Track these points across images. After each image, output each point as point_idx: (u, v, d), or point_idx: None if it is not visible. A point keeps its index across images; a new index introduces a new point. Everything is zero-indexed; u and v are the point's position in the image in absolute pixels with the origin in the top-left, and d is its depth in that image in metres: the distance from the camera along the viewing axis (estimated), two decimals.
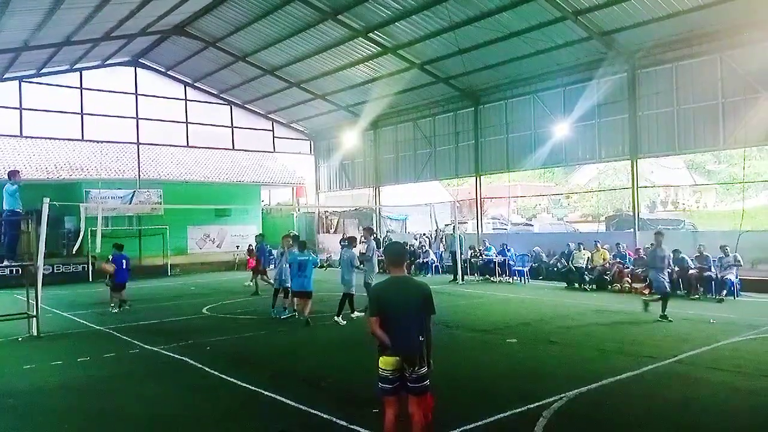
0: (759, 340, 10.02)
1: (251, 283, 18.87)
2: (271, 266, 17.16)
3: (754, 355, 9.00)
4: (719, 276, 15.08)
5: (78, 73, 26.28)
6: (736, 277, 15.17)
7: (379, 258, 14.36)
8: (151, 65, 28.15)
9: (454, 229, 21.95)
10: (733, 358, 8.77)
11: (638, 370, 8.05)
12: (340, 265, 14.11)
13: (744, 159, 24.49)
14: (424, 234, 25.24)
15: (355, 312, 12.68)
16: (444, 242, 24.08)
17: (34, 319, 11.69)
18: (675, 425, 6.19)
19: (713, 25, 16.40)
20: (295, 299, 13.01)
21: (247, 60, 25.22)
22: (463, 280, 20.37)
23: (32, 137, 25.46)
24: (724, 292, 14.86)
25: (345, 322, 12.30)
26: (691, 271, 15.56)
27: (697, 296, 15.18)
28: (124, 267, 15.31)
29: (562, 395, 6.92)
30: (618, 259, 17.85)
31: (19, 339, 11.38)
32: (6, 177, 12.66)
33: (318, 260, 12.69)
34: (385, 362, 4.84)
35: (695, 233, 21.27)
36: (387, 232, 29.32)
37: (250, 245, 21.42)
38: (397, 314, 4.82)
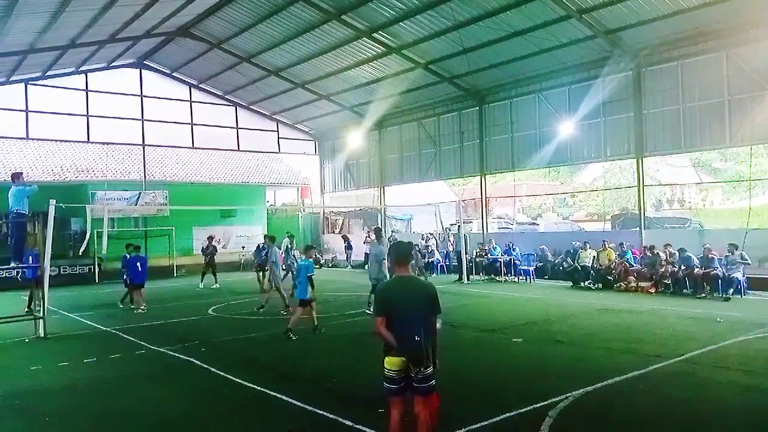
0: (766, 338, 9.95)
1: (202, 285, 20.27)
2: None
3: (761, 353, 8.94)
4: (726, 274, 15.00)
5: (83, 75, 26.37)
6: (743, 276, 15.10)
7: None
8: (156, 67, 28.24)
9: (459, 228, 21.93)
10: (740, 356, 8.72)
11: (645, 369, 8.01)
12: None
13: (751, 156, 24.37)
14: (431, 233, 25.18)
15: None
16: (452, 241, 24.04)
17: (41, 320, 11.75)
18: (682, 424, 6.16)
19: (719, 22, 16.31)
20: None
21: (252, 61, 25.26)
22: (468, 279, 20.34)
23: (38, 139, 25.56)
24: (731, 290, 14.78)
25: None
26: (696, 270, 15.49)
27: (703, 295, 15.10)
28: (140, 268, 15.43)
29: (568, 394, 6.90)
30: (621, 258, 17.75)
31: (26, 340, 11.45)
32: (10, 179, 12.69)
33: (312, 266, 11.73)
34: (391, 362, 4.83)
35: (702, 231, 21.17)
36: (392, 231, 29.33)
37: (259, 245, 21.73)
38: (403, 314, 4.81)
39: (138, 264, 15.29)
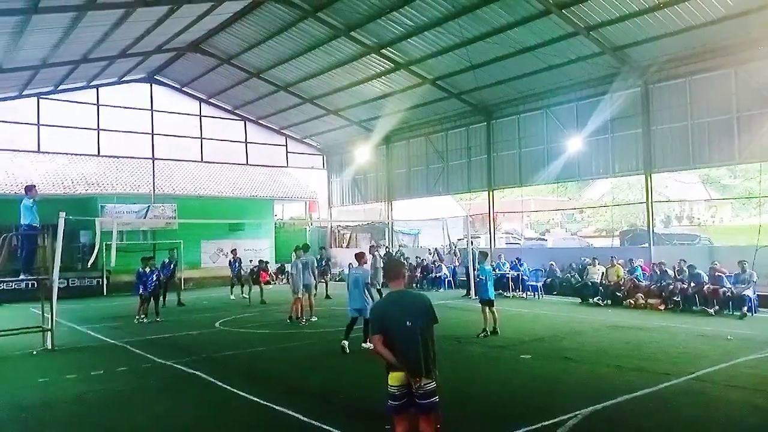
0: None
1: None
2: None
3: None
4: (736, 292, 14.86)
5: (95, 89, 26.64)
6: (754, 293, 14.96)
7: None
8: (166, 82, 28.50)
9: (467, 243, 21.86)
10: (753, 375, 8.62)
11: (654, 387, 7.93)
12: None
13: (760, 173, 24.22)
14: (437, 249, 25.12)
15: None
16: (458, 256, 23.96)
17: (49, 332, 11.79)
18: None
19: (726, 39, 16.31)
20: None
21: (261, 76, 25.45)
22: (476, 295, 20.22)
23: (49, 152, 25.78)
24: (745, 308, 14.61)
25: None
26: (706, 287, 15.37)
27: (712, 312, 14.96)
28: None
29: (577, 412, 6.83)
30: (630, 275, 17.62)
31: (34, 352, 11.46)
32: (23, 192, 12.84)
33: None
34: (393, 378, 4.89)
35: (711, 248, 21.02)
36: (399, 246, 29.30)
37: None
38: (399, 328, 4.88)
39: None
